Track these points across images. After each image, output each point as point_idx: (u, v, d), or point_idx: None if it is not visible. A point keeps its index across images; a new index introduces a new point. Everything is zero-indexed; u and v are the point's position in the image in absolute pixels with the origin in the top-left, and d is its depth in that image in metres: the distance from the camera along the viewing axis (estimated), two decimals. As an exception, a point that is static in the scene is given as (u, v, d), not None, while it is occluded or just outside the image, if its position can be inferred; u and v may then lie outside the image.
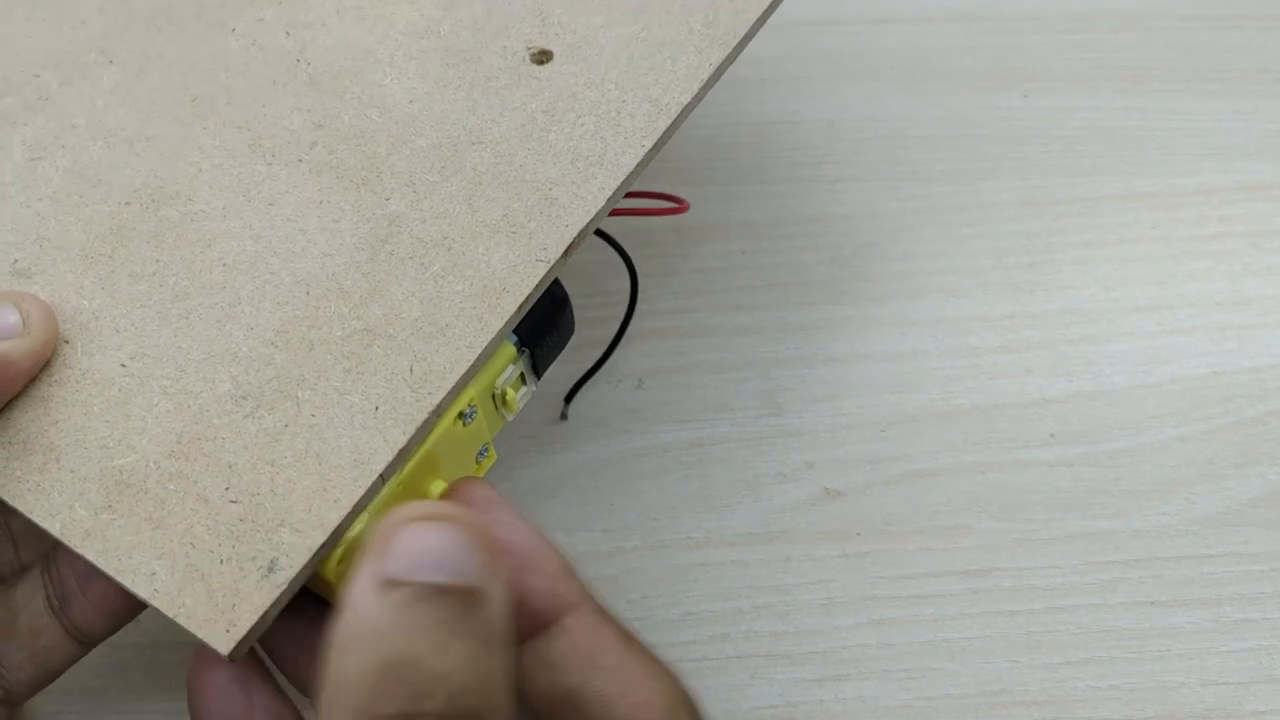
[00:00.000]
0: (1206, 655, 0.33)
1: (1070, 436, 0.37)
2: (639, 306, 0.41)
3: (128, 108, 0.30)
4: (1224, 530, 0.35)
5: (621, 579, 0.34)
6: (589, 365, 0.38)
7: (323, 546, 0.23)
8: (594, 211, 0.28)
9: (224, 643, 0.22)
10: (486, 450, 0.28)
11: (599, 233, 0.32)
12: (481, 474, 0.28)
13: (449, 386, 0.25)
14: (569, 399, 0.38)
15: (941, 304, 0.41)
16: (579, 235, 0.28)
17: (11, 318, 0.25)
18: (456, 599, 0.19)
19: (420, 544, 0.19)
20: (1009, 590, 0.34)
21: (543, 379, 0.30)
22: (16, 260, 0.28)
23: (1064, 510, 0.36)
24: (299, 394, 0.25)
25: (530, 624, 0.23)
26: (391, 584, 0.19)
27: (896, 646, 0.33)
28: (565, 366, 0.38)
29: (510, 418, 0.29)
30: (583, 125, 0.29)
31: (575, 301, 0.30)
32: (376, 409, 0.25)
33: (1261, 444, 0.37)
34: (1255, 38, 0.50)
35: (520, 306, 0.27)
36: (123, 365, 0.26)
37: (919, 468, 0.37)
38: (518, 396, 0.28)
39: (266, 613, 0.22)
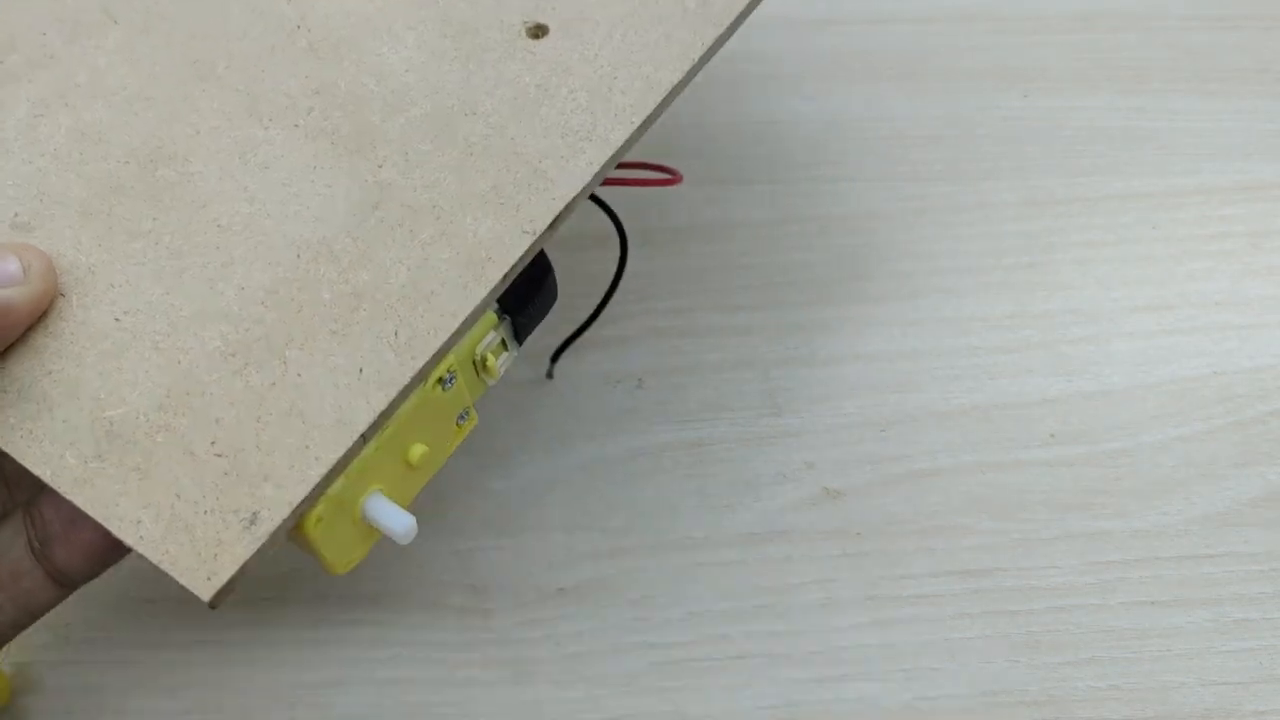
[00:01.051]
0: (1206, 655, 0.33)
1: (1070, 436, 0.37)
2: (639, 305, 0.41)
3: (129, 68, 0.31)
4: (1224, 530, 0.35)
5: (621, 579, 0.34)
6: (667, 339, 0.38)
7: (303, 502, 0.24)
8: (581, 185, 0.28)
9: (205, 590, 0.23)
10: (467, 414, 0.29)
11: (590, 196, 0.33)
12: (462, 437, 0.29)
13: (431, 352, 0.26)
14: (555, 359, 0.37)
15: (941, 304, 0.41)
16: (566, 208, 0.28)
17: (12, 266, 0.26)
18: None
19: None
20: (1009, 590, 0.34)
21: (525, 345, 0.31)
22: (17, 214, 0.28)
23: (1064, 510, 0.36)
24: (286, 354, 0.26)
25: None
26: None
27: (896, 646, 0.33)
28: (554, 336, 0.38)
29: (492, 383, 0.29)
30: (574, 100, 0.29)
31: (566, 269, 0.30)
32: (360, 371, 0.26)
33: (1261, 444, 0.37)
34: (1255, 38, 0.50)
35: (505, 276, 0.27)
36: (116, 320, 0.26)
37: (919, 468, 0.37)
38: (498, 362, 0.29)
39: (247, 564, 0.23)
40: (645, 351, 0.40)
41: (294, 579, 0.35)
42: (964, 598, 0.34)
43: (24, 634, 0.34)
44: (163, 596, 0.34)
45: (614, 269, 0.35)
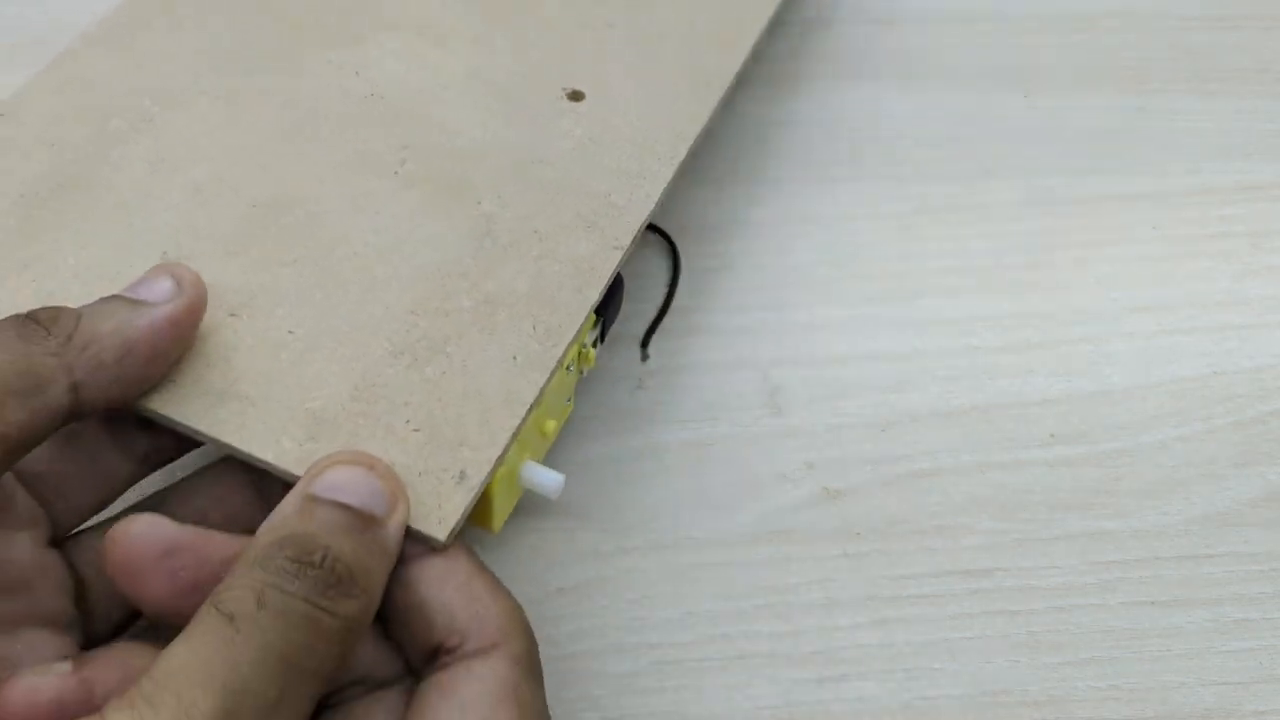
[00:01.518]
0: (1206, 655, 0.33)
1: (1070, 436, 0.37)
2: (640, 306, 0.41)
3: (229, 130, 0.34)
4: (1224, 530, 0.35)
5: (621, 579, 0.34)
6: (667, 340, 0.38)
7: (498, 461, 0.29)
8: (648, 211, 0.34)
9: (440, 531, 0.27)
10: (570, 398, 0.34)
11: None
12: (565, 416, 0.34)
13: (567, 340, 0.31)
14: (645, 344, 0.40)
15: (941, 304, 0.41)
16: (640, 228, 0.34)
17: (167, 283, 0.28)
18: (354, 515, 0.25)
19: (338, 476, 0.25)
20: (1009, 590, 0.34)
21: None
22: (165, 252, 0.31)
23: (1064, 510, 0.36)
24: (448, 349, 0.30)
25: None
26: (310, 499, 0.25)
27: (896, 646, 0.33)
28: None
29: (586, 371, 0.35)
30: (622, 149, 0.36)
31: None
32: (515, 358, 0.31)
33: (1261, 444, 0.37)
34: (1255, 38, 0.50)
35: (607, 283, 0.33)
36: (290, 332, 0.30)
37: (919, 468, 0.37)
38: (595, 353, 0.34)
39: (466, 510, 0.28)
40: (645, 351, 0.40)
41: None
42: (964, 598, 0.34)
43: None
44: (163, 596, 0.34)
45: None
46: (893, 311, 0.41)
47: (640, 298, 0.41)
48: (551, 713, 0.32)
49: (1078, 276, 0.42)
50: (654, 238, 0.43)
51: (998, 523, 0.35)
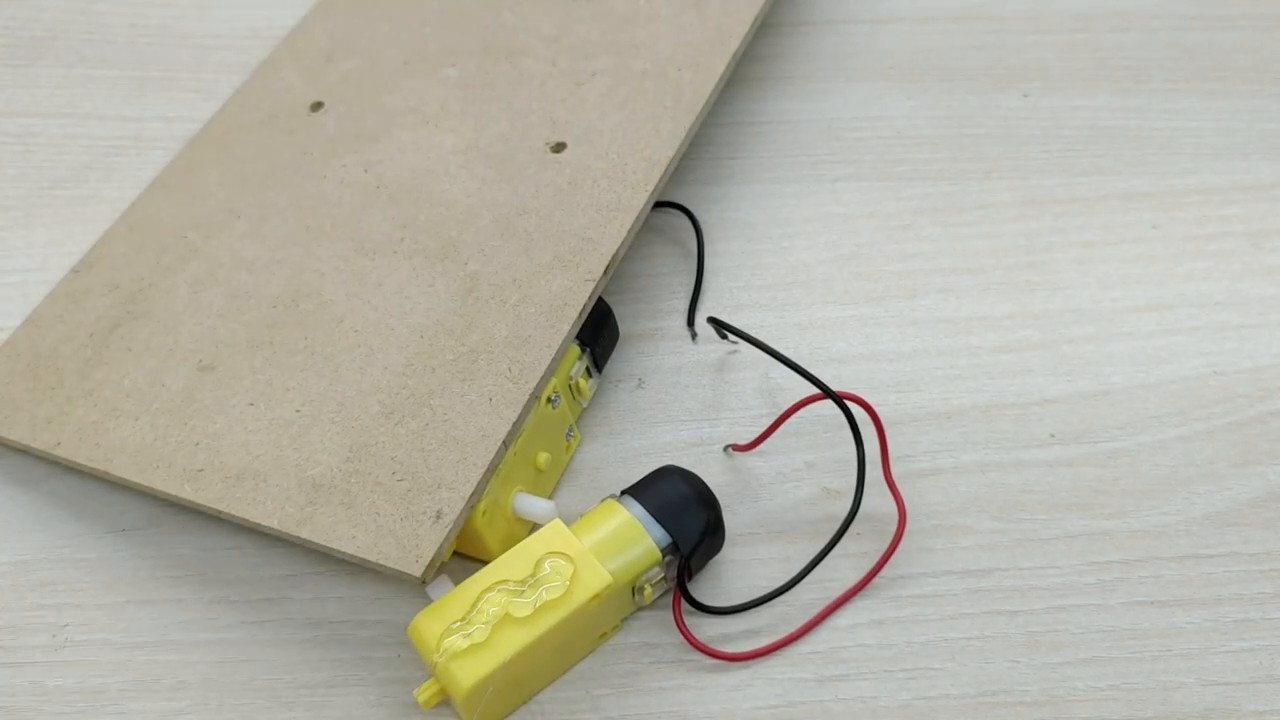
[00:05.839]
0: (1206, 655, 0.33)
1: (1070, 436, 0.37)
2: (641, 306, 0.41)
3: (259, 244, 0.39)
4: (1224, 530, 0.35)
5: (621, 579, 0.34)
6: (667, 340, 0.38)
7: (471, 496, 0.31)
8: (620, 241, 0.36)
9: (415, 569, 0.30)
10: (572, 431, 0.36)
11: (661, 203, 0.43)
12: (570, 451, 0.37)
13: (539, 376, 0.33)
14: (691, 322, 0.41)
15: (941, 304, 0.41)
16: (612, 259, 0.36)
17: None
18: None
19: None
20: (1009, 590, 0.34)
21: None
22: (200, 359, 0.36)
23: (1064, 510, 0.36)
24: (431, 402, 0.33)
25: None
26: None
27: (896, 646, 0.33)
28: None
29: (585, 403, 0.37)
30: (598, 186, 0.38)
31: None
32: (490, 400, 0.33)
33: (1261, 444, 0.37)
34: (1255, 38, 0.50)
35: (579, 314, 0.35)
36: (297, 410, 0.34)
37: (919, 468, 0.37)
38: (588, 385, 0.37)
39: (441, 546, 0.30)
40: (645, 351, 0.40)
41: (293, 580, 0.35)
42: (963, 597, 0.34)
43: (20, 635, 0.34)
44: (161, 598, 0.34)
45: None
46: (893, 311, 0.41)
47: (656, 296, 0.41)
48: (552, 712, 0.32)
49: (1077, 276, 0.42)
50: (670, 227, 0.43)
51: (998, 523, 0.35)
